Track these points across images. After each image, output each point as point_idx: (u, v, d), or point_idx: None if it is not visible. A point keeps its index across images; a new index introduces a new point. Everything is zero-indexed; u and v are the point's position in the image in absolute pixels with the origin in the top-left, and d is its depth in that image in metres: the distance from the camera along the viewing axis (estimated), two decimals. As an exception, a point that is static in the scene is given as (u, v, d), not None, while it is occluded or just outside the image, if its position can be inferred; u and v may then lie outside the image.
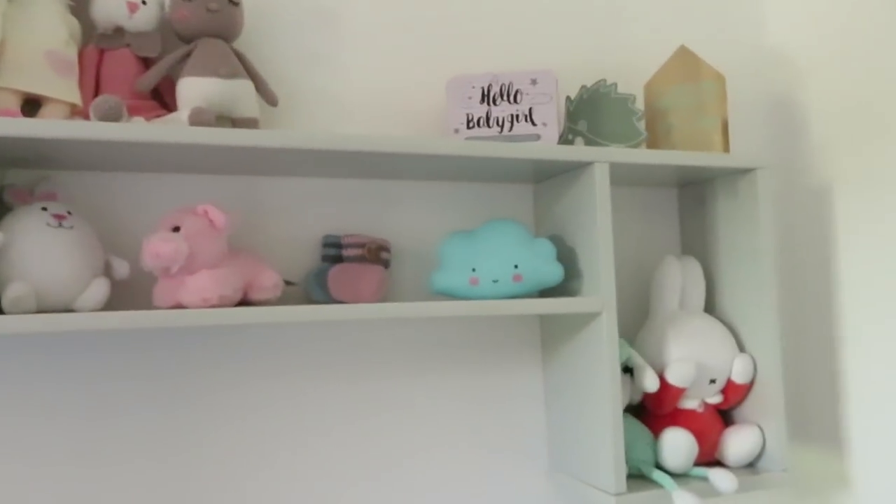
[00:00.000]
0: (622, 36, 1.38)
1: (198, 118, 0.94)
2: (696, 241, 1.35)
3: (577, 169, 1.14)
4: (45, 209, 0.93)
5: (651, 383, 1.15)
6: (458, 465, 1.22)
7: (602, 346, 1.10)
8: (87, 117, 0.94)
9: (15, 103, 0.92)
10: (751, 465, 1.23)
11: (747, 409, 1.25)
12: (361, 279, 1.08)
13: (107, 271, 0.97)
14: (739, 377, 1.21)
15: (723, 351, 1.22)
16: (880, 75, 1.27)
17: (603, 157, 1.11)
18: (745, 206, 1.23)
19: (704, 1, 1.46)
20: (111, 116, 0.88)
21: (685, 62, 1.23)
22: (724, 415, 1.27)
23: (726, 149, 1.22)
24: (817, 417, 1.38)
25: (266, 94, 1.08)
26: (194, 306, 0.93)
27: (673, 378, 1.16)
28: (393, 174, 1.17)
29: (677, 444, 1.16)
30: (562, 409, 1.22)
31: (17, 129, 0.84)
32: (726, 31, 1.46)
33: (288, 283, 1.09)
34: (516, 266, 1.08)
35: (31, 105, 0.95)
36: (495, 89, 1.13)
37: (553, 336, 1.24)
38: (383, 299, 1.13)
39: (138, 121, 0.95)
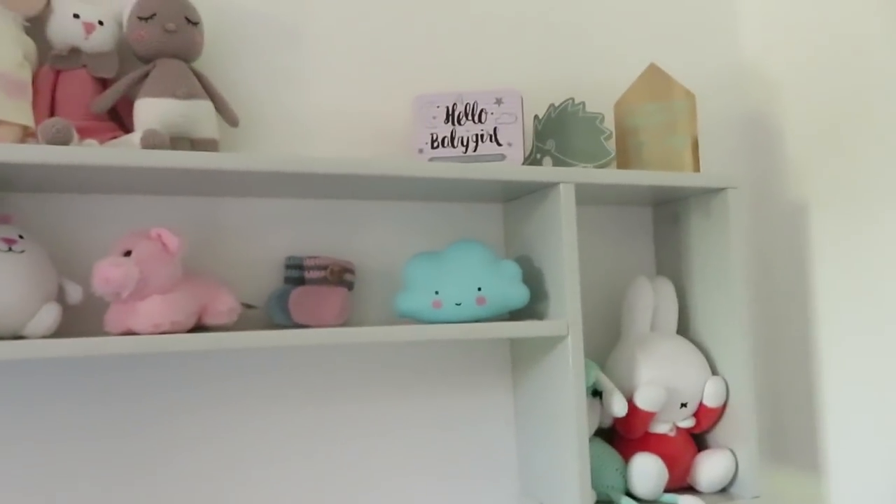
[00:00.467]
0: (593, 54, 1.37)
1: (150, 141, 0.92)
2: (670, 261, 1.33)
3: (544, 189, 1.13)
4: (-6, 233, 0.92)
5: (619, 408, 1.13)
6: (427, 490, 1.20)
7: (568, 370, 1.08)
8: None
9: (-35, 126, 0.91)
10: (724, 491, 1.21)
11: (720, 432, 1.23)
12: (323, 302, 1.06)
13: (60, 296, 0.95)
14: (711, 400, 1.19)
15: (694, 374, 1.20)
16: (855, 93, 1.25)
17: (568, 177, 1.09)
18: (717, 226, 1.22)
19: (677, 19, 1.45)
20: (59, 139, 0.87)
21: (655, 80, 1.22)
22: (698, 439, 1.25)
23: (697, 168, 1.21)
24: (794, 440, 1.36)
25: (227, 115, 1.06)
26: (145, 332, 0.91)
27: (642, 402, 1.14)
28: (358, 194, 1.15)
29: (646, 470, 1.13)
30: (531, 433, 1.20)
31: (-40, 153, 0.83)
32: (699, 49, 1.45)
33: (249, 306, 1.08)
34: (480, 288, 1.07)
35: (-17, 128, 0.93)
36: (460, 108, 1.12)
37: (523, 359, 1.22)
38: (347, 322, 1.11)
39: (91, 143, 0.93)
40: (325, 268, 1.08)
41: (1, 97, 0.92)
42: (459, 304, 1.07)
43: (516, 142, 1.11)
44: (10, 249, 0.91)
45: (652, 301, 1.23)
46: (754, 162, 1.44)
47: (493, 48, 1.30)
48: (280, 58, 1.17)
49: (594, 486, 1.11)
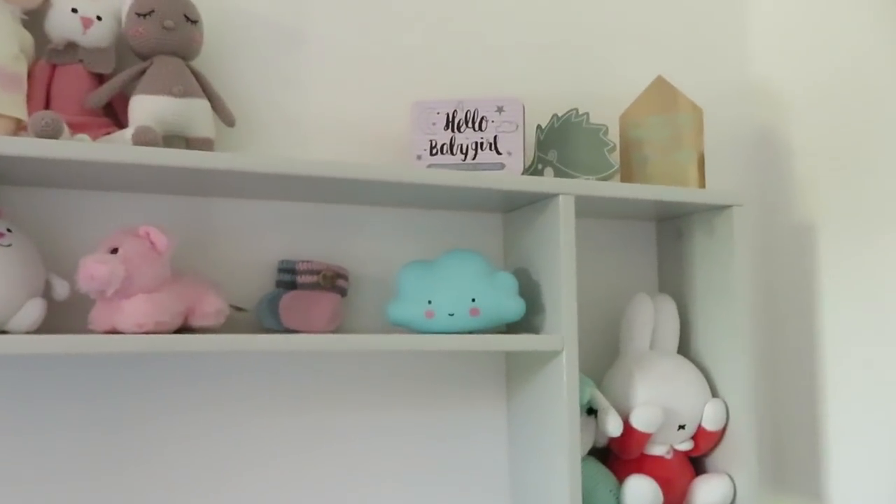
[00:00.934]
0: (600, 66, 1.35)
1: (142, 137, 0.91)
2: (673, 278, 1.30)
3: (543, 200, 1.10)
4: (-19, 226, 0.91)
5: (613, 427, 1.10)
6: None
7: (562, 387, 1.05)
8: (34, 133, 0.91)
9: (-42, 118, 0.91)
10: (721, 517, 1.17)
11: (719, 457, 1.19)
12: (314, 307, 1.04)
13: (47, 291, 0.94)
14: (711, 423, 1.15)
15: (693, 395, 1.16)
16: (866, 114, 1.22)
17: (567, 188, 1.07)
18: (721, 244, 1.19)
19: (687, 32, 1.42)
20: (48, 133, 0.86)
21: (662, 93, 1.20)
22: (696, 462, 1.21)
23: (702, 184, 1.18)
24: (795, 467, 1.32)
25: (223, 114, 1.05)
26: (129, 331, 0.89)
27: (637, 422, 1.11)
28: (354, 199, 1.14)
29: (641, 493, 1.10)
30: (523, 450, 1.17)
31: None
32: (708, 64, 1.43)
33: (239, 308, 1.06)
34: (473, 299, 1.04)
35: (-24, 119, 0.93)
36: (460, 116, 1.10)
37: (517, 373, 1.19)
38: (339, 329, 1.09)
39: (83, 138, 0.92)
40: (317, 272, 1.07)
41: (-6, 89, 0.92)
42: (452, 315, 1.04)
43: (516, 151, 1.09)
44: (-4, 243, 0.90)
45: (652, 318, 1.20)
46: (762, 180, 1.41)
47: (496, 56, 1.28)
48: (280, 60, 1.16)
49: (586, 506, 1.08)
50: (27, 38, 0.98)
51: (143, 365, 1.06)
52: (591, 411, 1.13)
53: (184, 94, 0.99)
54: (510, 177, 1.07)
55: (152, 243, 0.93)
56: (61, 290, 0.95)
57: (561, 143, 1.16)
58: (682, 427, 1.15)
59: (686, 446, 1.17)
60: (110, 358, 1.04)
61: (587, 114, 1.16)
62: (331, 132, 1.17)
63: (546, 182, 1.07)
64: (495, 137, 1.09)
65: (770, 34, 1.43)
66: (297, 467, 1.12)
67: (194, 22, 1.02)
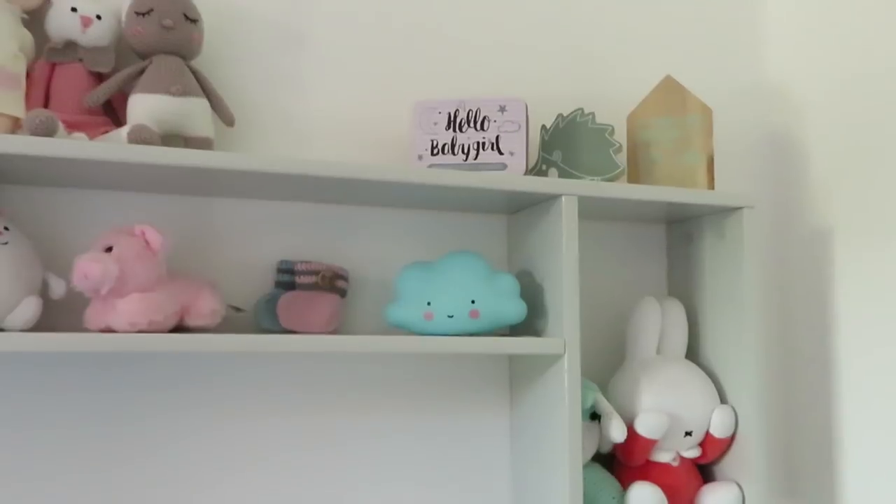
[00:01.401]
0: (607, 66, 1.32)
1: (137, 136, 0.91)
2: (682, 281, 1.28)
3: (546, 201, 1.08)
4: (-21, 224, 0.91)
5: (617, 433, 1.07)
6: (414, 508, 1.16)
7: (563, 391, 1.03)
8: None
9: (-44, 117, 0.91)
10: (729, 527, 1.14)
11: (727, 465, 1.16)
12: (312, 308, 1.04)
13: (44, 289, 0.94)
14: (718, 430, 1.13)
15: (700, 401, 1.14)
16: (882, 116, 1.19)
17: (570, 189, 1.05)
18: (731, 247, 1.16)
19: (699, 31, 1.39)
20: (42, 131, 0.85)
21: (670, 93, 1.17)
22: (704, 470, 1.18)
23: (711, 186, 1.15)
24: (808, 476, 1.29)
25: (222, 114, 1.05)
26: (122, 330, 0.89)
27: (642, 428, 1.09)
28: (354, 199, 1.13)
29: (644, 500, 1.08)
30: (525, 454, 1.15)
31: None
32: (720, 65, 1.40)
33: (237, 309, 1.05)
34: (473, 301, 1.03)
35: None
36: (462, 115, 1.08)
37: (520, 376, 1.17)
38: (338, 330, 1.08)
39: (80, 136, 0.92)
40: (316, 273, 1.06)
41: (-7, 88, 0.92)
42: (452, 317, 1.02)
43: (519, 151, 1.07)
44: (-7, 241, 0.90)
45: (659, 322, 1.17)
46: (775, 183, 1.38)
47: (501, 56, 1.27)
48: (280, 59, 1.15)
49: (588, 514, 1.05)
50: (27, 37, 0.98)
51: (138, 364, 1.05)
52: (594, 416, 1.11)
53: (182, 93, 0.99)
54: (512, 177, 1.05)
55: (147, 242, 0.93)
56: (57, 288, 0.94)
57: (566, 144, 1.14)
58: (688, 433, 1.12)
59: (693, 453, 1.15)
60: (105, 356, 1.04)
61: (592, 113, 1.14)
62: (331, 132, 1.16)
63: (548, 182, 1.05)
64: (497, 137, 1.08)
65: (785, 34, 1.40)
66: (294, 470, 1.11)
67: (194, 21, 1.01)
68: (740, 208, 1.14)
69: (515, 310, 1.05)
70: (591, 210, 1.14)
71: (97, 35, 1.00)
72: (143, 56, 1.01)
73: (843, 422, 1.23)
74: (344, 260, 1.13)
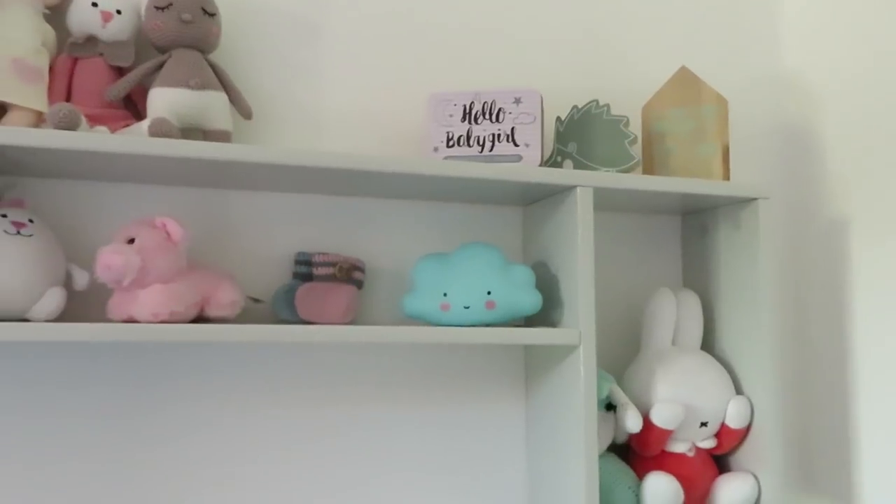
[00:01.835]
0: (622, 57, 1.33)
1: (158, 129, 0.92)
2: (697, 272, 1.28)
3: (561, 193, 1.09)
4: (4, 216, 0.92)
5: (633, 423, 1.07)
6: (429, 499, 1.16)
7: (578, 381, 1.03)
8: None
9: (-19, 111, 0.93)
10: (744, 517, 1.14)
11: (743, 455, 1.16)
12: (329, 299, 1.05)
13: (67, 281, 0.96)
14: (734, 421, 1.13)
15: (716, 392, 1.14)
16: (899, 104, 1.18)
17: (585, 180, 1.05)
18: (747, 239, 1.16)
19: (715, 21, 1.39)
20: (65, 124, 0.87)
21: (685, 84, 1.17)
22: (720, 461, 1.18)
23: (726, 176, 1.15)
24: (824, 466, 1.29)
25: (240, 107, 1.06)
26: (144, 321, 0.91)
27: (657, 419, 1.09)
28: (371, 191, 1.14)
29: (660, 490, 1.08)
30: (541, 445, 1.16)
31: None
32: (737, 54, 1.39)
33: (255, 300, 1.07)
34: (489, 292, 1.03)
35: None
36: (477, 107, 1.09)
37: (536, 367, 1.18)
38: (355, 321, 1.09)
39: (102, 130, 0.94)
40: (333, 265, 1.07)
41: (17, 82, 0.93)
42: (468, 308, 1.03)
43: (534, 142, 1.08)
44: (18, 233, 0.92)
45: (674, 313, 1.17)
46: (791, 174, 1.38)
47: (517, 48, 1.27)
48: (297, 53, 1.16)
49: (604, 503, 1.06)
50: (49, 32, 0.99)
51: (160, 354, 1.07)
52: (609, 407, 1.11)
53: (201, 86, 1.00)
54: (527, 168, 1.06)
55: (168, 234, 0.94)
56: (81, 279, 0.96)
57: (581, 135, 1.14)
58: (704, 424, 1.13)
59: (709, 444, 1.15)
60: (126, 347, 1.06)
61: (608, 105, 1.14)
62: (348, 124, 1.17)
63: (563, 174, 1.05)
64: (513, 129, 1.08)
65: (801, 24, 1.39)
66: (311, 459, 1.12)
67: (212, 15, 1.03)
68: (756, 199, 1.14)
69: (531, 301, 1.05)
70: (606, 201, 1.15)
71: (117, 29, 1.01)
72: (163, 50, 1.02)
73: (859, 412, 1.23)
74: (360, 251, 1.14)
